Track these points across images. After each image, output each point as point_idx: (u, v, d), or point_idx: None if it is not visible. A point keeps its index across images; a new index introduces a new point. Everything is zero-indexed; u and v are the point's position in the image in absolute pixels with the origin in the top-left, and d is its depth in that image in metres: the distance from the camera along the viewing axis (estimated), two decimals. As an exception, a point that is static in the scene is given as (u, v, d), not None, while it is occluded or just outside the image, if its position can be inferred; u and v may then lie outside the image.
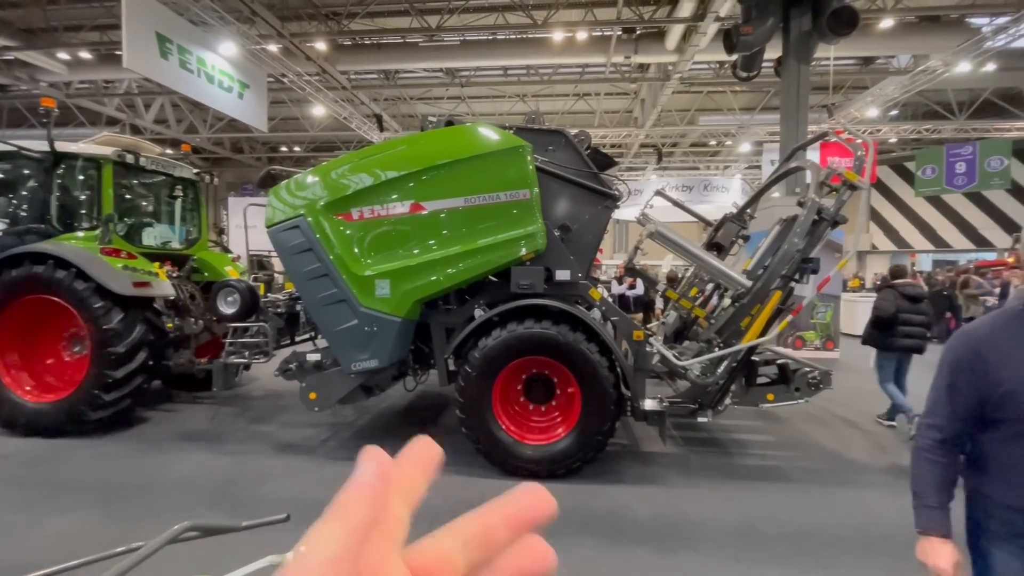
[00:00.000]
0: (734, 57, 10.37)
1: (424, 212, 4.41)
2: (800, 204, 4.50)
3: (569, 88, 17.35)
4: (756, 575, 3.11)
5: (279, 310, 5.69)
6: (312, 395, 4.72)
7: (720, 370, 4.39)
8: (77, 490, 4.06)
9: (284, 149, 24.34)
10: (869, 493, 4.24)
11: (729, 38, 9.58)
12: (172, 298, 5.91)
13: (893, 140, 19.87)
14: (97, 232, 5.52)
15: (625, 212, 9.26)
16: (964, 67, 12.06)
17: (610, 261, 20.37)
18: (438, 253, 4.39)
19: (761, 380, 4.75)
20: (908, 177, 20.70)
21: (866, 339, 5.95)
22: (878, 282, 17.20)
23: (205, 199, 7.13)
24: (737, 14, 10.10)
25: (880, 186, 22.53)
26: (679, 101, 17.53)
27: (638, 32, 12.56)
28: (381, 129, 16.44)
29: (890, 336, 5.63)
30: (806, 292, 4.61)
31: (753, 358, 4.59)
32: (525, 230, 4.35)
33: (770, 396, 4.61)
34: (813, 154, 13.18)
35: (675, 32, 11.72)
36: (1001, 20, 11.15)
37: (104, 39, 13.04)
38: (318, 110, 16.84)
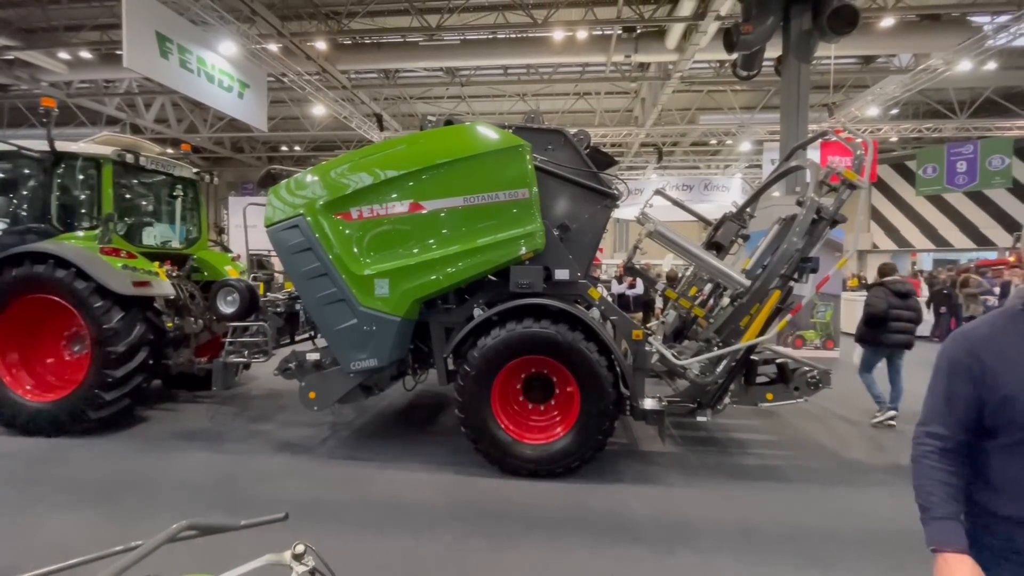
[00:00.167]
0: (734, 56, 10.37)
1: (423, 211, 4.41)
2: (799, 203, 4.49)
3: (569, 87, 17.34)
4: (755, 574, 3.11)
5: (278, 309, 5.69)
6: (311, 394, 4.73)
7: (719, 369, 4.39)
8: (77, 489, 4.07)
9: (284, 148, 24.35)
10: (868, 492, 4.24)
11: (729, 37, 9.57)
12: (172, 297, 5.91)
13: (894, 139, 19.85)
14: (97, 232, 5.53)
15: (625, 211, 9.27)
16: (965, 66, 12.04)
17: (610, 260, 20.38)
18: (437, 252, 4.39)
19: (760, 379, 4.75)
20: (909, 176, 20.69)
21: (859, 336, 6.08)
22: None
23: (205, 198, 7.13)
24: (737, 13, 10.09)
25: (881, 185, 22.52)
26: (679, 100, 17.52)
27: (638, 31, 12.55)
28: (381, 128, 16.44)
29: (882, 332, 5.75)
30: (805, 291, 4.61)
31: (752, 357, 4.59)
32: (524, 229, 4.35)
33: (769, 395, 4.61)
34: (813, 153, 13.17)
35: (675, 31, 11.72)
36: (1002, 18, 11.14)
37: (104, 39, 13.04)
38: (318, 109, 16.84)
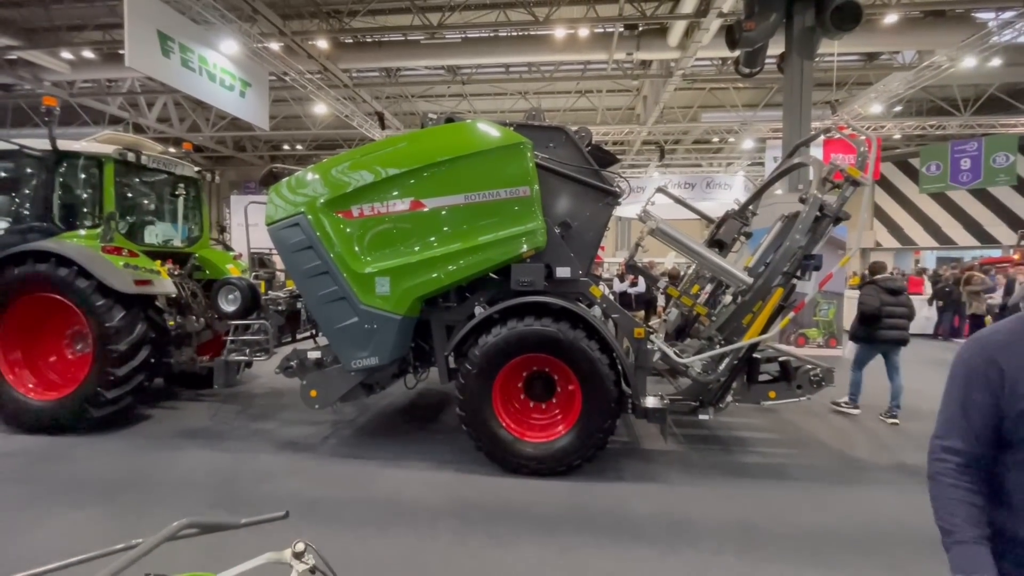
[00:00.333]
0: (737, 53, 10.34)
1: (424, 209, 4.41)
2: (802, 200, 4.47)
3: (571, 85, 17.30)
4: (757, 573, 3.10)
5: (280, 308, 5.69)
6: (313, 393, 4.73)
7: (722, 367, 4.38)
8: (79, 487, 4.08)
9: (286, 147, 24.36)
10: (871, 491, 4.22)
11: (732, 34, 9.54)
12: (174, 296, 5.92)
13: (897, 136, 19.77)
14: (99, 230, 5.54)
15: (627, 209, 9.26)
16: (969, 62, 11.98)
17: (612, 259, 20.34)
18: (438, 250, 4.39)
19: (763, 377, 4.74)
20: (912, 173, 20.62)
21: (853, 335, 6.20)
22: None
23: (207, 197, 7.14)
24: (740, 10, 10.05)
25: (884, 183, 22.44)
26: (681, 98, 17.48)
27: (640, 28, 12.52)
28: (383, 127, 16.44)
29: (876, 329, 5.85)
30: (808, 289, 4.59)
31: (755, 355, 4.58)
32: (526, 227, 4.34)
33: (772, 394, 4.60)
34: (816, 151, 13.12)
35: (677, 28, 11.68)
36: (1007, 15, 11.08)
37: (107, 38, 13.07)
38: (320, 108, 16.85)
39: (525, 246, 4.35)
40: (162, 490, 4.08)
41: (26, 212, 5.74)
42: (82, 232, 5.60)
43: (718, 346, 4.43)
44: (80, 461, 4.64)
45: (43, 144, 5.50)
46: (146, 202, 6.67)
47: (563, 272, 4.52)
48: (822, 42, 9.61)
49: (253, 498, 3.95)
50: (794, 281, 4.33)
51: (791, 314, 4.44)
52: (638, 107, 18.68)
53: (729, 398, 4.54)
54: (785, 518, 3.74)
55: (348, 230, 4.48)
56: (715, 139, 22.00)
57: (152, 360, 5.46)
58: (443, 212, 4.41)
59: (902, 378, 5.98)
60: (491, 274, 4.61)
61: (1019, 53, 13.27)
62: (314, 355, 4.94)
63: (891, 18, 11.47)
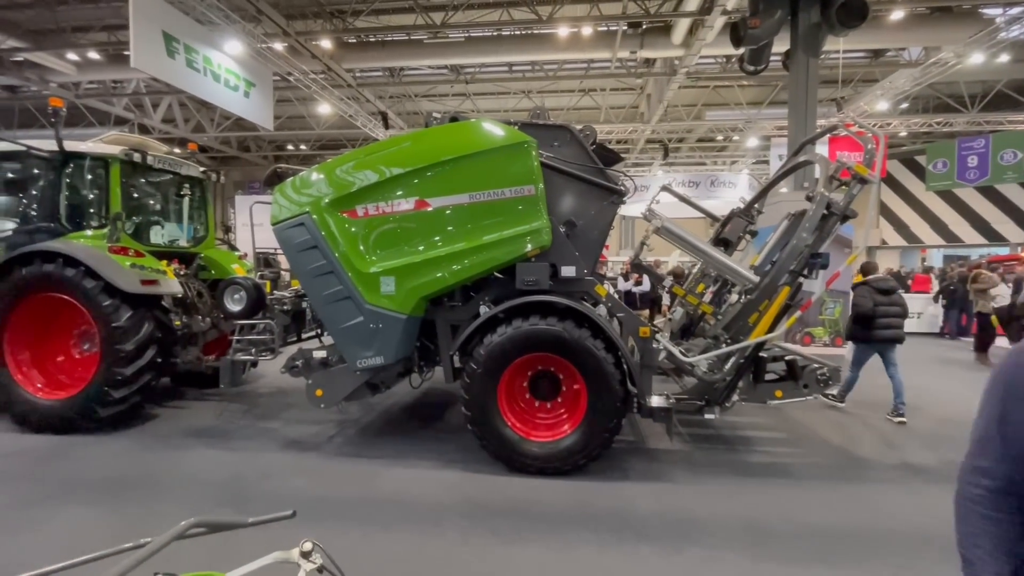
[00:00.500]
0: (741, 51, 10.28)
1: (429, 209, 4.41)
2: (809, 198, 4.45)
3: (574, 84, 17.27)
4: (763, 572, 3.08)
5: (285, 307, 5.71)
6: (318, 392, 4.74)
7: (727, 366, 4.36)
8: (86, 486, 4.11)
9: (290, 147, 24.43)
10: (878, 490, 4.20)
11: (736, 31, 9.49)
12: (180, 296, 5.95)
13: (903, 134, 19.62)
14: (106, 230, 5.57)
15: (631, 208, 9.22)
16: (977, 59, 11.89)
17: (616, 258, 20.31)
18: (443, 250, 4.39)
19: (769, 376, 4.72)
20: (919, 171, 20.47)
21: (849, 335, 6.34)
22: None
23: (212, 197, 7.17)
24: (744, 7, 10.00)
25: (890, 180, 22.29)
26: (685, 96, 17.41)
27: (644, 27, 12.48)
28: (387, 127, 16.46)
29: (872, 329, 5.94)
30: (815, 288, 4.57)
31: (761, 354, 4.56)
32: (530, 226, 4.33)
33: (778, 392, 4.57)
34: (821, 148, 13.05)
35: (681, 26, 11.63)
36: (1015, 10, 10.97)
37: (112, 39, 13.13)
38: (324, 108, 16.87)
39: (530, 245, 4.34)
40: (169, 489, 4.10)
41: (33, 213, 5.78)
42: (89, 232, 5.63)
43: (724, 345, 4.42)
44: (88, 460, 4.66)
45: (50, 145, 5.54)
46: (152, 202, 6.71)
47: (568, 271, 4.51)
48: (827, 39, 9.54)
49: (259, 497, 3.97)
50: (800, 280, 4.31)
51: (798, 313, 4.41)
52: (642, 105, 18.63)
53: (735, 397, 4.52)
54: (791, 517, 3.72)
55: (353, 230, 4.48)
56: (719, 137, 21.91)
57: (159, 360, 5.49)
58: (448, 211, 4.40)
59: (901, 375, 6.03)
60: (496, 273, 4.61)
61: (1027, 49, 13.16)
62: (320, 354, 4.95)
63: (897, 14, 11.38)
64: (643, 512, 3.78)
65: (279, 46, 12.32)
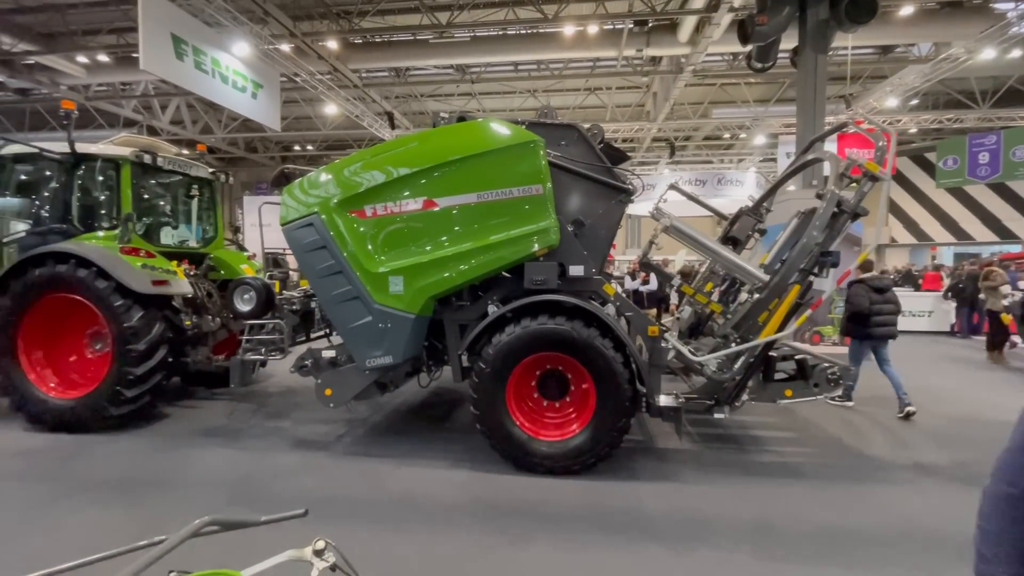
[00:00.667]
0: (748, 48, 10.22)
1: (437, 208, 4.41)
2: (819, 196, 4.41)
3: (580, 83, 17.24)
4: (773, 573, 3.06)
5: (294, 307, 5.74)
6: (327, 391, 4.76)
7: (737, 366, 4.33)
8: (99, 485, 4.15)
9: (297, 148, 24.56)
10: (889, 489, 4.16)
11: (743, 28, 9.43)
12: (190, 296, 5.99)
13: (913, 130, 19.43)
14: (117, 231, 5.62)
15: (638, 207, 9.18)
16: (988, 54, 11.74)
17: (623, 257, 20.25)
18: (451, 249, 4.39)
19: (779, 376, 4.68)
20: (929, 168, 20.26)
21: (845, 332, 6.44)
22: (894, 276, 16.90)
23: (221, 198, 7.22)
24: (751, 4, 9.95)
25: (900, 178, 22.07)
26: (692, 94, 17.34)
27: (650, 25, 12.43)
28: (393, 127, 16.49)
29: (867, 327, 6.06)
30: (825, 286, 4.53)
31: (771, 353, 4.53)
32: (538, 226, 4.32)
33: (788, 392, 4.55)
34: (830, 146, 12.94)
35: (688, 24, 11.58)
36: (1027, 5, 10.83)
37: (121, 42, 13.26)
38: (330, 109, 16.95)
39: (538, 244, 4.34)
40: (180, 487, 4.14)
41: (46, 214, 5.84)
42: (100, 233, 5.68)
43: (733, 344, 4.39)
44: (101, 459, 4.71)
45: (62, 147, 5.59)
46: (162, 203, 6.76)
47: (576, 270, 4.50)
48: (836, 35, 9.46)
49: (270, 495, 3.99)
50: (811, 278, 4.27)
51: (808, 312, 4.38)
52: (648, 104, 18.56)
53: (745, 396, 4.50)
54: (801, 517, 3.70)
55: (361, 230, 4.49)
56: (726, 135, 21.78)
57: (169, 359, 5.53)
58: (455, 211, 4.41)
59: (894, 369, 6.13)
60: (504, 273, 4.61)
61: (1040, 44, 12.97)
62: (328, 354, 4.97)
63: (907, 10, 11.27)
64: (652, 512, 3.77)
65: (286, 47, 12.38)
